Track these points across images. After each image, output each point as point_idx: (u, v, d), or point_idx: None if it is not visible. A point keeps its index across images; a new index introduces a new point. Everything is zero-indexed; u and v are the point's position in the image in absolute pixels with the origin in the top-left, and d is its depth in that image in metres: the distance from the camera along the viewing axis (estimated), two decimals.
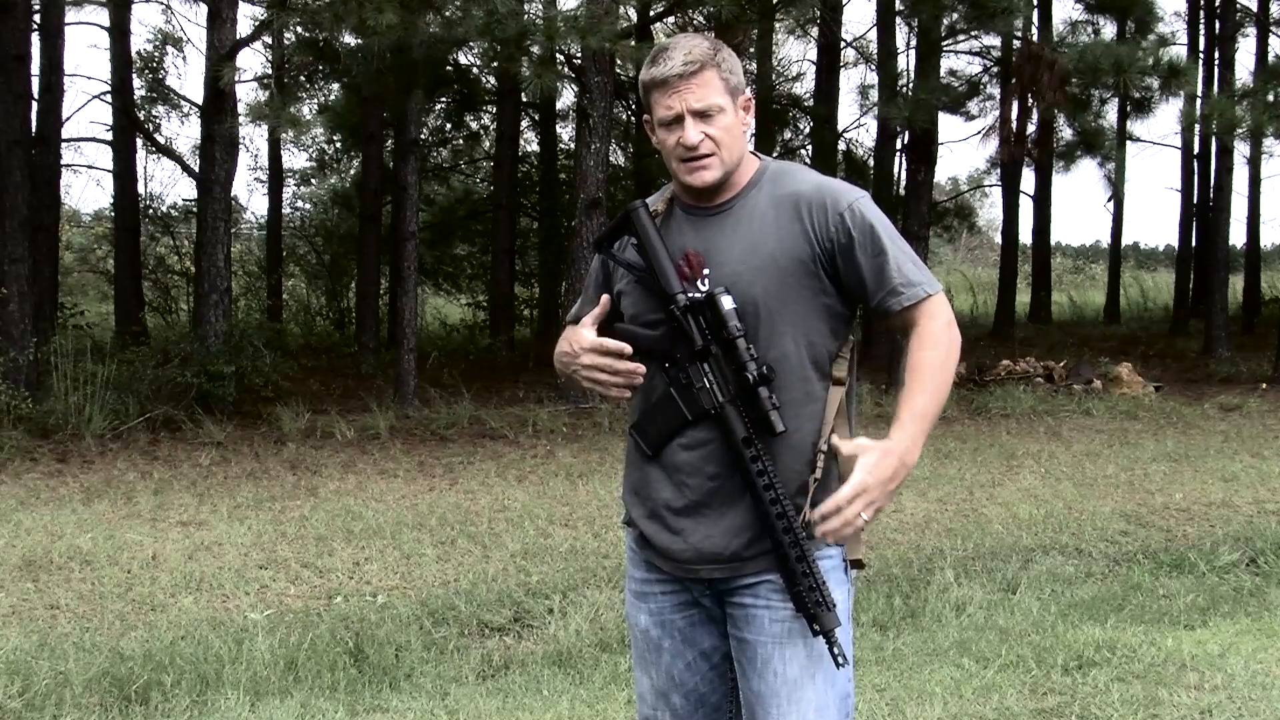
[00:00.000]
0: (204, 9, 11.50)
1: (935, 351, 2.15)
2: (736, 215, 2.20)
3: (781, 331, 2.14)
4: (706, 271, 2.18)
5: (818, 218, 2.15)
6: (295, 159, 27.44)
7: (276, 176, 18.38)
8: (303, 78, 13.57)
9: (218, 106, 10.26)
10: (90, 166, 29.67)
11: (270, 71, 13.00)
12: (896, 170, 17.11)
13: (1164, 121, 73.62)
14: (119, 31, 14.96)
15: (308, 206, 22.38)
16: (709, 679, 2.31)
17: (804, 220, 2.16)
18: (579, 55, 11.55)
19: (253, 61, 44.48)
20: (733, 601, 2.22)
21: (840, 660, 2.09)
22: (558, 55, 11.90)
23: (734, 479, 2.14)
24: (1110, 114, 17.15)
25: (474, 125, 19.21)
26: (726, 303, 2.10)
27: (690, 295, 2.15)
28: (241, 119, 10.46)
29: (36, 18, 12.62)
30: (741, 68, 2.24)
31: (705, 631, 2.28)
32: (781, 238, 2.15)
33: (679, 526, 2.20)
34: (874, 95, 16.80)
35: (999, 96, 14.61)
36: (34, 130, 11.32)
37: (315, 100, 16.52)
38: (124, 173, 15.13)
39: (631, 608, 2.36)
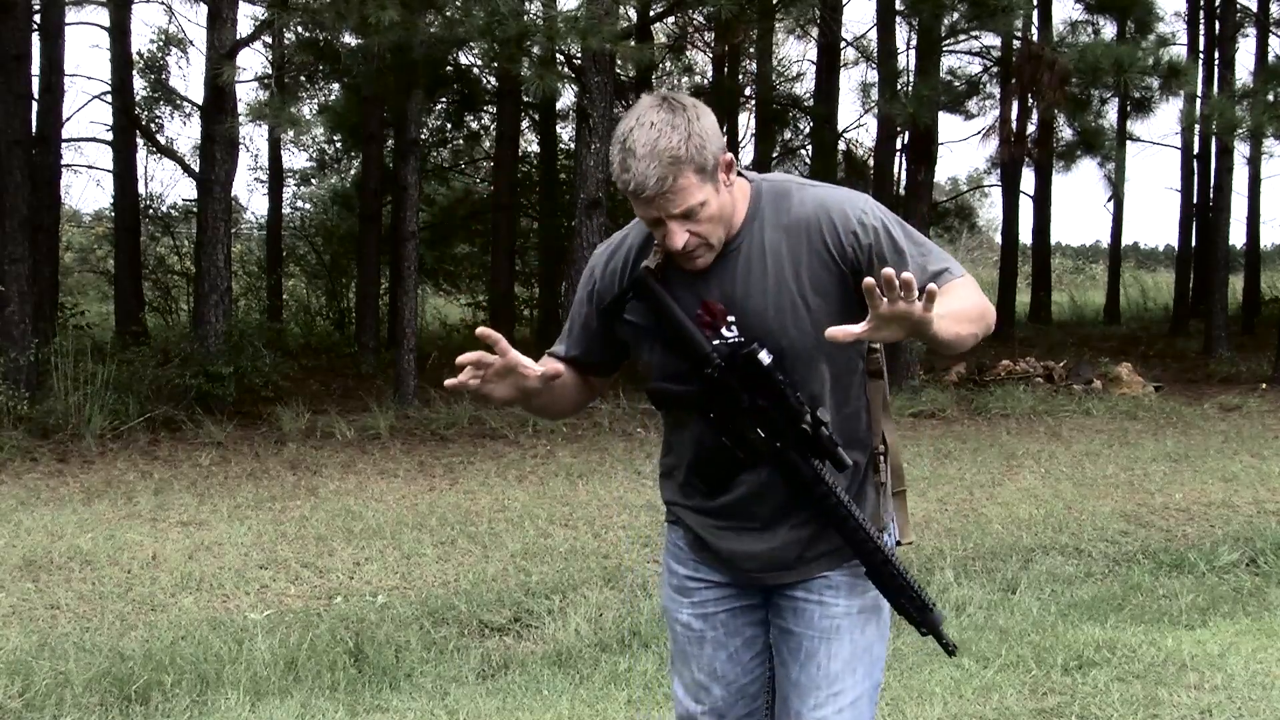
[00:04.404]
0: (204, 9, 11.52)
1: (970, 296, 2.08)
2: (744, 254, 2.12)
3: (818, 360, 2.11)
4: (731, 319, 2.11)
5: (831, 241, 2.10)
6: (295, 159, 27.42)
7: (276, 176, 18.39)
8: (303, 78, 13.56)
9: (218, 106, 10.26)
10: (90, 166, 29.67)
11: (270, 71, 12.98)
12: (896, 170, 17.10)
13: (1164, 121, 73.65)
14: (119, 31, 14.97)
15: (308, 206, 22.37)
16: (749, 669, 2.32)
17: (819, 248, 2.10)
18: (579, 55, 11.55)
19: (253, 61, 44.55)
20: (783, 594, 2.24)
21: (950, 649, 2.17)
22: (558, 55, 11.89)
23: (799, 498, 2.14)
24: (1110, 114, 17.20)
25: (474, 125, 19.21)
26: (765, 358, 2.04)
27: (718, 350, 2.08)
28: (241, 119, 10.46)
29: (36, 18, 12.61)
30: (714, 123, 2.06)
31: (746, 620, 2.30)
32: (799, 272, 2.10)
33: (747, 541, 2.21)
34: (874, 94, 16.79)
35: (999, 96, 14.63)
36: (34, 130, 11.31)
37: (315, 100, 16.53)
38: (124, 173, 15.14)
39: (671, 603, 2.35)
